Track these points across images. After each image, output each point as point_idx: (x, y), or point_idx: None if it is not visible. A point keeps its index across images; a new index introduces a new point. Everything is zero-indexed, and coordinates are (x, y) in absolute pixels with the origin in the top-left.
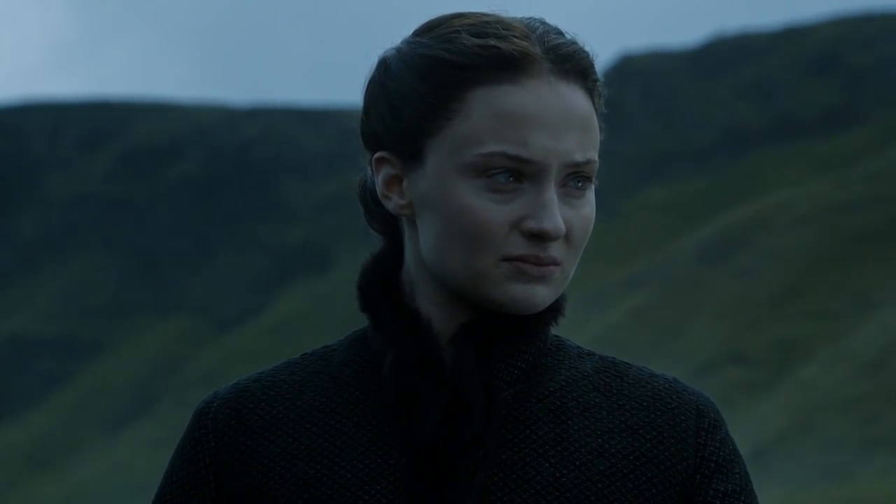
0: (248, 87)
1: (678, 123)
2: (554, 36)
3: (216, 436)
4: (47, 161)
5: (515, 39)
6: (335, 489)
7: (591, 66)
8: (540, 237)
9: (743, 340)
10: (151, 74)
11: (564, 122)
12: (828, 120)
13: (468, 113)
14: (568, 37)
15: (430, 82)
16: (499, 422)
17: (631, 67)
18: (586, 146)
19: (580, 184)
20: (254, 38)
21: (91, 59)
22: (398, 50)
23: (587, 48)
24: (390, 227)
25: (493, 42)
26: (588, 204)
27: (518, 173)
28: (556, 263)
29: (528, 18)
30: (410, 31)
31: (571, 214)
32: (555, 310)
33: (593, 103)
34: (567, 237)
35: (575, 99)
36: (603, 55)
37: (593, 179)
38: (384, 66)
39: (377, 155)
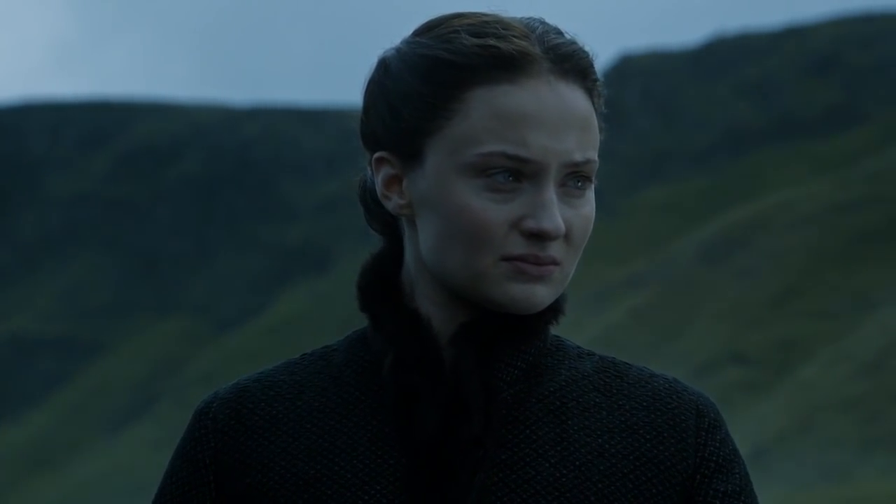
0: (248, 87)
1: (678, 123)
2: (553, 36)
3: (216, 436)
4: (47, 161)
5: (515, 39)
6: (335, 489)
7: (591, 65)
8: (539, 237)
9: (743, 340)
10: (151, 74)
11: (564, 121)
12: (828, 120)
13: (467, 113)
14: (567, 36)
15: (430, 82)
16: (499, 422)
17: (631, 67)
18: (586, 146)
19: (580, 183)
20: (254, 38)
21: (91, 59)
22: (398, 50)
23: (587, 48)
24: (390, 227)
25: (492, 42)
26: (588, 203)
27: (517, 173)
28: (555, 263)
29: (528, 18)
30: (410, 31)
31: (571, 214)
32: (555, 310)
33: (593, 103)
34: (567, 237)
35: (574, 99)
36: (603, 55)
37: (593, 179)
38: (384, 66)
39: (377, 155)
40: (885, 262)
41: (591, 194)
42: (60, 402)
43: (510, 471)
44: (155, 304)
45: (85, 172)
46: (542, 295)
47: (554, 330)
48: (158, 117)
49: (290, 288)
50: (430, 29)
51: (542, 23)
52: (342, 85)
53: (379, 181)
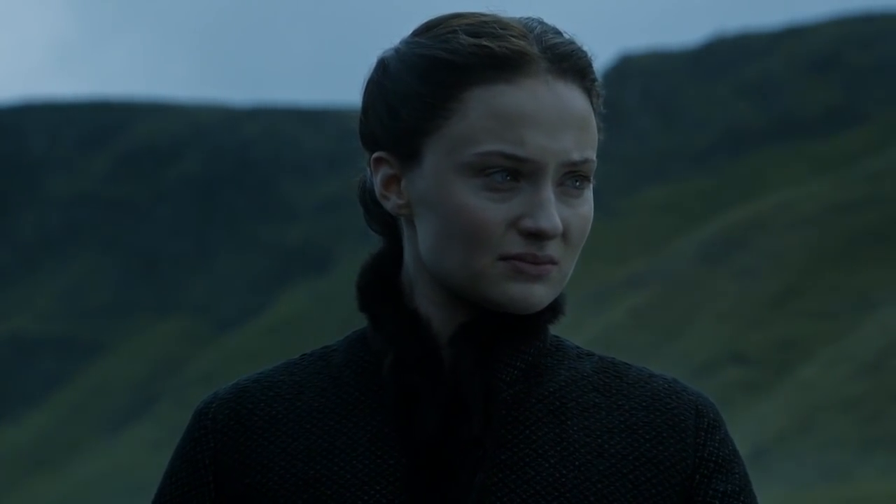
0: (248, 87)
1: (678, 123)
2: (552, 35)
3: (216, 436)
4: (47, 161)
5: (512, 39)
6: (335, 489)
7: (589, 65)
8: (537, 236)
9: (743, 340)
10: (151, 74)
11: (562, 121)
12: (828, 120)
13: (465, 112)
14: (566, 36)
15: (428, 82)
16: (498, 422)
17: (631, 67)
18: (584, 145)
19: (578, 183)
20: (254, 38)
21: (91, 59)
22: (396, 50)
23: (585, 48)
24: (390, 227)
25: (489, 41)
26: (586, 203)
27: (515, 172)
28: (553, 262)
29: (527, 18)
30: (410, 32)
31: (569, 214)
32: (554, 310)
33: (591, 103)
34: (565, 236)
35: (572, 98)
36: (603, 55)
37: (591, 179)
38: (382, 66)
39: (375, 155)
40: (885, 262)
41: (589, 194)
42: (60, 402)
43: (510, 471)
44: (155, 304)
45: (85, 172)
46: (540, 294)
47: (553, 330)
48: (158, 117)
49: (290, 288)
50: (429, 29)
51: (541, 23)
52: (342, 85)
53: (377, 181)
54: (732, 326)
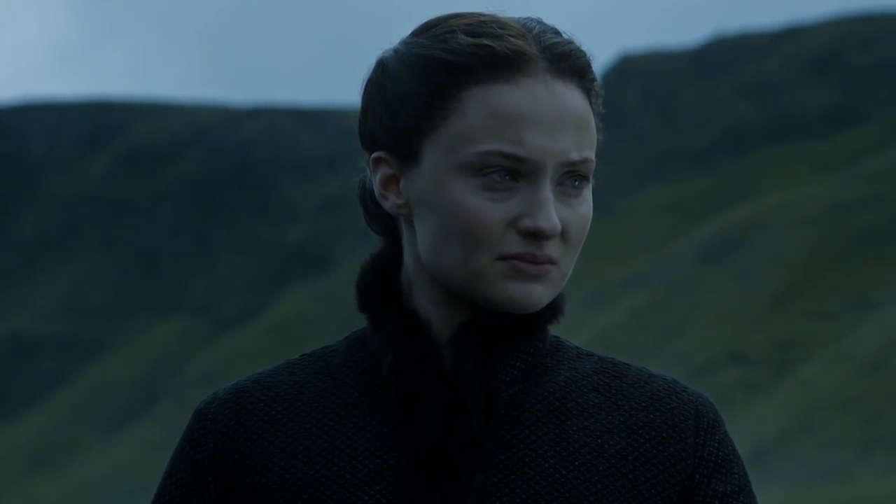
0: (248, 87)
1: (678, 123)
2: (550, 35)
3: (215, 437)
4: (47, 161)
5: (511, 38)
6: (334, 490)
7: (588, 65)
8: (536, 235)
9: (743, 340)
10: (151, 74)
11: (560, 120)
12: (828, 120)
13: (464, 112)
14: (565, 36)
15: (427, 82)
16: (498, 422)
17: (631, 67)
18: (582, 145)
19: (577, 183)
20: (254, 38)
21: (91, 59)
22: (395, 51)
23: (584, 48)
24: (389, 227)
25: (487, 41)
26: (585, 203)
27: (514, 172)
28: (552, 262)
29: (526, 18)
30: (409, 32)
31: (568, 213)
32: (554, 310)
33: (590, 103)
34: (563, 236)
35: (571, 98)
36: (603, 55)
37: (590, 179)
38: (382, 66)
39: (374, 155)
40: (885, 262)
41: (588, 194)
42: (60, 402)
43: (510, 471)
44: (155, 304)
45: (85, 172)
46: (539, 294)
47: (553, 330)
48: (158, 117)
49: (290, 288)
50: (428, 29)
51: (540, 23)
52: (342, 85)
53: (377, 181)
54: (732, 326)
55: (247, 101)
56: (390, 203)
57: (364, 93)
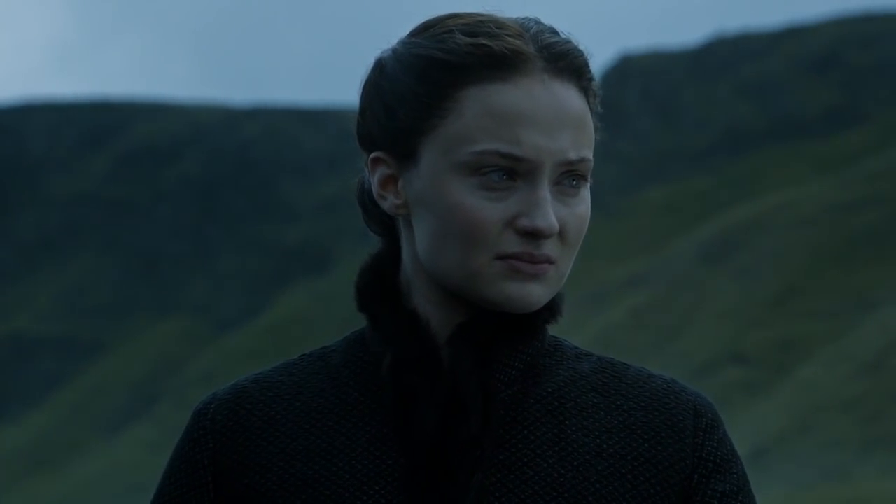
0: (248, 87)
1: (678, 123)
2: (548, 35)
3: (214, 437)
4: (47, 161)
5: (508, 38)
6: (334, 490)
7: (586, 65)
8: (533, 235)
9: (743, 340)
10: (151, 74)
11: (558, 120)
12: (828, 120)
13: (461, 112)
14: (562, 36)
15: (424, 82)
16: (497, 422)
17: (631, 67)
18: (580, 145)
19: (574, 182)
20: (254, 38)
21: (91, 59)
22: (393, 51)
23: (582, 47)
24: (388, 227)
25: (485, 41)
26: (583, 202)
27: (511, 171)
28: (550, 262)
29: (523, 18)
30: (407, 32)
31: (566, 213)
32: (552, 310)
33: (588, 102)
34: (561, 235)
35: (569, 97)
36: (603, 55)
37: (588, 178)
38: (380, 66)
39: (373, 155)
40: (885, 262)
41: (586, 193)
42: (60, 402)
43: (508, 471)
44: (155, 304)
45: (85, 172)
46: (537, 294)
47: (553, 330)
48: (158, 117)
49: (290, 288)
50: (426, 29)
51: (537, 22)
52: (342, 85)
53: (375, 181)
54: (732, 326)
55: (247, 101)
56: (388, 203)
57: (362, 93)
